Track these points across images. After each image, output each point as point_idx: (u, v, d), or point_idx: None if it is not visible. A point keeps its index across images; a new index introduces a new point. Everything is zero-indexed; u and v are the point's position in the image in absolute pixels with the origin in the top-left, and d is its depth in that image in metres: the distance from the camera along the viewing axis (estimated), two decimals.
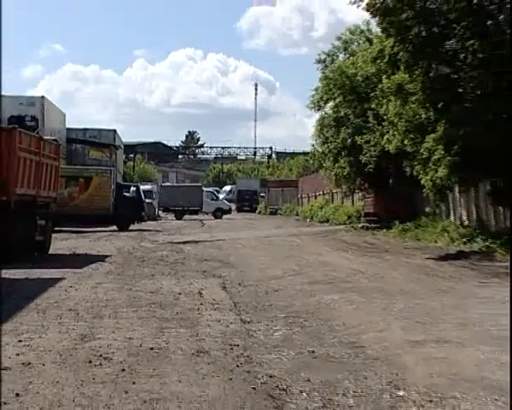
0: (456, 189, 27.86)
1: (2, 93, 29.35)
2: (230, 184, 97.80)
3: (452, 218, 30.53)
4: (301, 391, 6.98)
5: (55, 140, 25.76)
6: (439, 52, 23.20)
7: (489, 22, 21.98)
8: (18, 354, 8.34)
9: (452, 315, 11.49)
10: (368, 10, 25.17)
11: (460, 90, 22.96)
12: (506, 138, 22.22)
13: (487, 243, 23.50)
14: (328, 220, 49.84)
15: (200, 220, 58.41)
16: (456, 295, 14.02)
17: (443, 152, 24.06)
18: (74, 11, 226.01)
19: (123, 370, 7.66)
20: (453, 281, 16.55)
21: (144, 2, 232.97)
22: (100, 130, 43.09)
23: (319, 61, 44.81)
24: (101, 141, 40.57)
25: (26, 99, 32.35)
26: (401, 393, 6.92)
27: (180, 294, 13.72)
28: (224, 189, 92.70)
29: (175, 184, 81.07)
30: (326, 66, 43.87)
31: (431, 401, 6.67)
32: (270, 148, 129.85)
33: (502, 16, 21.41)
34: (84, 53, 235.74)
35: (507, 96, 21.45)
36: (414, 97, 25.07)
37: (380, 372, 7.73)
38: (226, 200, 79.03)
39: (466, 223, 28.52)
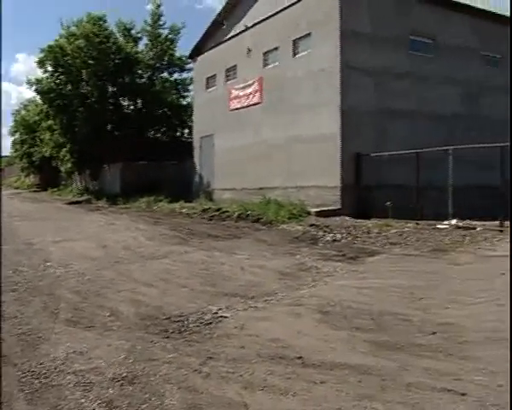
0: (76, 173, 25.34)
1: None
2: None
3: (75, 185, 27.35)
4: None
5: None
6: (67, 112, 20.94)
7: (88, 100, 20.65)
8: None
9: (74, 229, 10.58)
10: (35, 91, 21.92)
11: (76, 130, 20.97)
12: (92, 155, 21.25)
13: (89, 197, 21.35)
14: (18, 188, 39.81)
15: None
16: (76, 220, 12.73)
17: (69, 156, 22.43)
18: None
19: None
20: (74, 213, 15.16)
21: None
22: None
23: (12, 114, 36.21)
24: None
25: None
26: (49, 263, 6.30)
27: None
28: None
29: None
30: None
31: (62, 265, 6.12)
32: None
33: (108, 94, 20.66)
34: None
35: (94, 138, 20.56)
36: (57, 131, 22.68)
37: (40, 255, 6.93)
38: None
39: (80, 187, 25.79)
